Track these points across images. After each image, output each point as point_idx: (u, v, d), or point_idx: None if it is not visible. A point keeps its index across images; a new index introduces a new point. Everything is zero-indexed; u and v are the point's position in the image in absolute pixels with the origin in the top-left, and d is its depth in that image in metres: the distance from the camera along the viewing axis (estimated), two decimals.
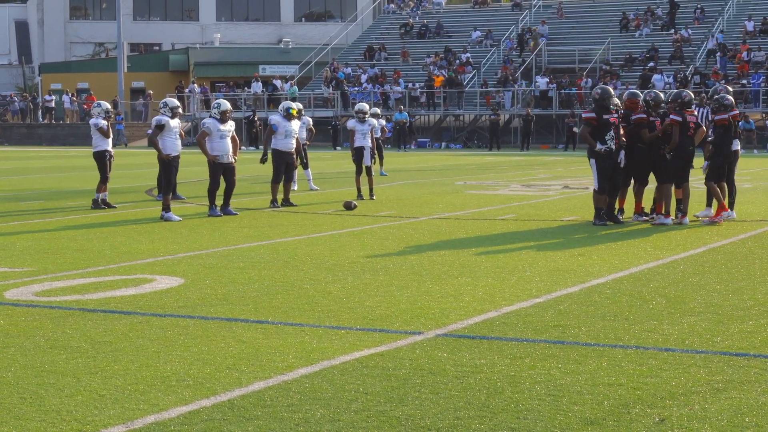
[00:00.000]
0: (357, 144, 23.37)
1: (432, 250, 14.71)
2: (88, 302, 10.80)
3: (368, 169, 23.43)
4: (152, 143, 19.27)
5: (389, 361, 8.16)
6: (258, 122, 60.65)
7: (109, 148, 21.49)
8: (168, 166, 19.08)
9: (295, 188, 23.06)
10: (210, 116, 19.66)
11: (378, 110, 31.16)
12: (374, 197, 23.20)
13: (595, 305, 10.38)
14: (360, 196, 23.00)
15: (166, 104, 19.54)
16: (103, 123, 21.41)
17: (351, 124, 23.86)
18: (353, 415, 6.80)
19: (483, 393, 7.26)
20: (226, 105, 19.90)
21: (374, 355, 8.36)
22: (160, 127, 19.11)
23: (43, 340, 8.99)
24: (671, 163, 17.34)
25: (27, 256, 14.32)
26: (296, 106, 22.35)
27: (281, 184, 21.71)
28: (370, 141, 23.62)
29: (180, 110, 19.77)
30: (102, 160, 21.36)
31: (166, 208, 18.87)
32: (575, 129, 54.66)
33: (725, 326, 9.33)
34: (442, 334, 9.12)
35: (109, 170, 21.38)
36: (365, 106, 24.39)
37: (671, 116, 17.31)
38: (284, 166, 21.61)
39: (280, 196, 21.80)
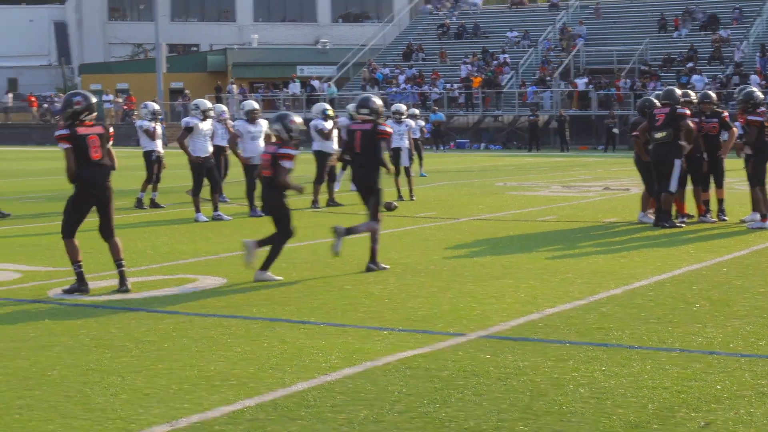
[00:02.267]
0: (393, 145, 23.42)
1: (473, 251, 14.69)
2: (132, 301, 10.86)
3: (407, 170, 23.46)
4: (180, 145, 19.31)
5: (432, 362, 8.16)
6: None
7: (157, 148, 21.61)
8: (198, 168, 19.08)
9: (337, 188, 23.12)
10: (239, 118, 19.77)
11: (417, 111, 31.20)
12: (414, 198, 23.20)
13: (638, 307, 10.34)
14: (400, 197, 23.00)
15: (197, 106, 19.58)
16: (148, 125, 21.55)
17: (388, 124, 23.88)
18: (397, 416, 6.80)
19: (526, 395, 7.25)
20: (252, 105, 20.01)
21: (417, 356, 8.36)
22: (189, 130, 19.14)
23: (88, 339, 9.05)
24: (755, 165, 17.03)
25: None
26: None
27: (323, 185, 21.83)
28: (407, 142, 23.68)
29: (212, 113, 19.76)
30: (147, 160, 21.53)
31: (197, 209, 18.96)
32: (615, 130, 54.46)
33: None
34: (484, 336, 9.11)
35: (158, 171, 21.53)
36: (402, 106, 24.46)
37: (749, 117, 17.01)
38: (327, 168, 21.71)
39: (323, 197, 21.88)
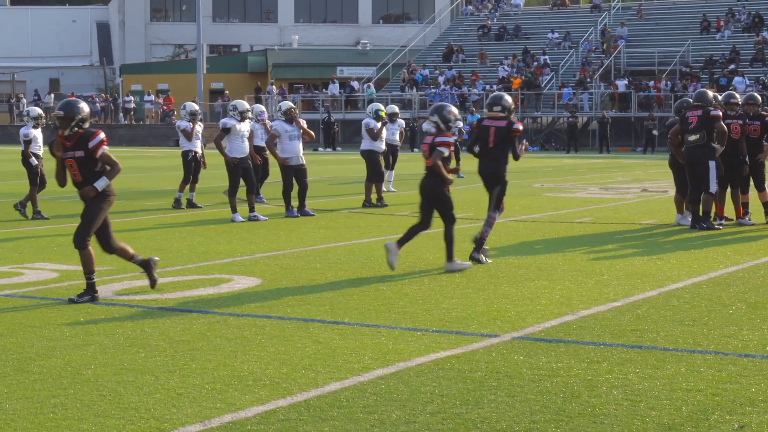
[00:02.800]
0: None
1: (509, 252, 14.66)
2: (167, 301, 10.90)
3: None
4: (217, 146, 19.40)
5: (465, 363, 8.15)
6: (335, 124, 60.84)
7: (195, 148, 21.70)
8: (234, 169, 19.13)
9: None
10: (276, 118, 19.88)
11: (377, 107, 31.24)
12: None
13: (674, 310, 10.29)
14: None
15: (235, 107, 19.61)
16: (186, 125, 21.65)
17: (426, 126, 23.91)
18: (429, 417, 6.80)
19: (559, 397, 7.22)
20: (288, 104, 20.12)
21: (450, 357, 8.35)
22: (226, 131, 19.21)
23: (123, 338, 9.09)
24: None
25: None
26: (389, 109, 22.72)
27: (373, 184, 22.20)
28: None
29: (250, 114, 19.85)
30: (185, 160, 21.64)
31: (233, 209, 19.02)
32: (654, 132, 54.20)
33: None
34: (518, 337, 9.09)
35: (195, 171, 21.62)
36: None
37: None
38: (379, 166, 21.83)
39: (373, 196, 22.07)
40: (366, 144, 22.25)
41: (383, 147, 22.37)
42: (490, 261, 13.60)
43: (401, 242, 13.01)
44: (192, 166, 21.63)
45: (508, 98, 14.35)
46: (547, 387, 7.47)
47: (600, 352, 8.51)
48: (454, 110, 13.54)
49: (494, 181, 14.09)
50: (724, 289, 11.51)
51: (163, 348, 8.70)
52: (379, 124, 22.07)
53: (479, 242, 13.64)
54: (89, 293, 10.98)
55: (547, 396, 7.25)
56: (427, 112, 13.28)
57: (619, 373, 7.83)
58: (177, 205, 21.51)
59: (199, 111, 22.37)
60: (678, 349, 8.60)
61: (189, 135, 21.58)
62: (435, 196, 13.11)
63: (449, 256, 12.98)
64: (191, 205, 21.57)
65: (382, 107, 22.48)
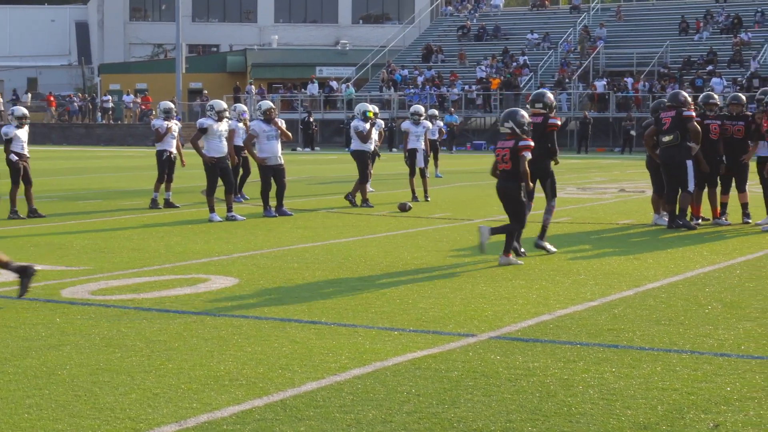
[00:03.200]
0: (410, 146, 23.57)
1: (486, 251, 14.65)
2: (144, 301, 10.87)
3: (422, 171, 23.53)
4: (193, 145, 19.40)
5: (442, 362, 8.15)
6: (314, 123, 60.80)
7: (170, 148, 21.64)
8: (212, 169, 19.10)
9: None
10: (255, 118, 19.84)
11: (437, 112, 31.24)
12: (429, 199, 23.21)
13: (650, 309, 10.32)
14: (414, 198, 23.01)
15: (212, 107, 19.58)
16: (161, 124, 21.60)
17: (405, 125, 24.03)
18: (405, 416, 6.80)
19: (535, 396, 7.23)
20: (268, 104, 20.12)
21: (427, 356, 8.35)
22: (203, 131, 19.20)
23: (99, 338, 9.06)
24: None
25: (84, 255, 14.44)
26: (373, 108, 22.71)
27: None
28: (423, 143, 23.74)
29: (227, 113, 19.80)
30: (159, 159, 21.59)
31: (211, 209, 18.99)
32: (632, 132, 54.34)
33: None
34: (495, 337, 9.09)
35: (170, 171, 21.55)
36: (421, 108, 24.49)
37: None
38: (367, 167, 21.88)
39: (358, 197, 22.20)
40: (355, 144, 22.31)
41: (372, 148, 22.36)
42: (555, 249, 14.38)
43: (494, 231, 13.69)
44: (167, 165, 21.57)
45: (550, 95, 14.99)
46: (524, 386, 7.48)
47: (576, 351, 8.52)
48: (526, 114, 13.92)
49: (541, 175, 14.69)
50: (700, 288, 11.55)
51: (139, 348, 8.67)
52: (367, 126, 22.03)
53: (543, 230, 14.48)
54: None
55: (523, 395, 7.26)
56: (500, 117, 13.69)
57: (595, 372, 7.85)
58: (154, 205, 21.45)
59: (175, 110, 22.28)
60: (654, 348, 8.62)
61: (160, 134, 21.52)
62: (511, 198, 13.77)
63: (506, 251, 13.50)
64: (168, 204, 21.51)
65: (370, 108, 22.44)
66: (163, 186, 21.63)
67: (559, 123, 14.48)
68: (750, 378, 7.66)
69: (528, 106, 15.20)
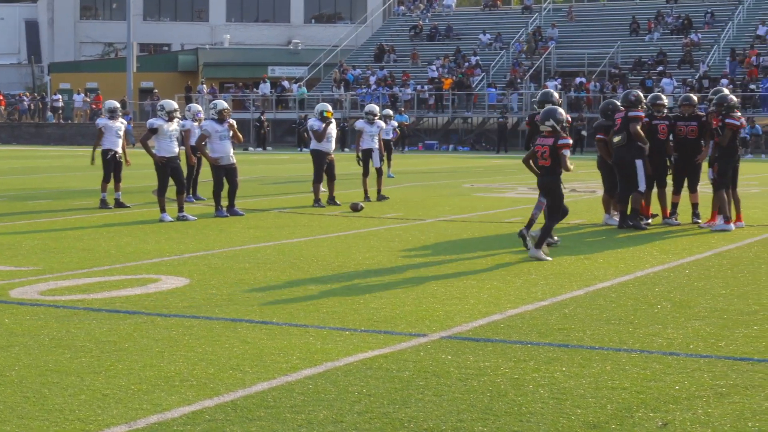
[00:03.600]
0: (365, 146, 23.52)
1: (438, 252, 14.71)
2: (93, 302, 10.80)
3: (378, 171, 23.52)
4: (143, 146, 19.33)
5: (393, 362, 8.16)
6: (266, 123, 60.68)
7: (113, 147, 21.47)
8: (163, 169, 19.03)
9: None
10: (207, 117, 19.75)
11: (391, 112, 31.25)
12: (385, 197, 23.22)
13: (600, 309, 10.38)
14: (367, 198, 23.03)
15: (162, 107, 19.50)
16: (104, 123, 21.48)
17: (360, 125, 23.99)
18: (356, 416, 6.80)
19: (486, 396, 7.25)
20: (223, 104, 20.03)
21: (378, 356, 8.36)
22: (153, 131, 19.12)
23: (48, 339, 9.00)
24: (722, 168, 17.02)
25: (33, 255, 14.34)
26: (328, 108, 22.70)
27: (323, 184, 22.24)
28: (377, 143, 23.72)
29: (178, 114, 19.70)
30: (104, 159, 21.47)
31: (162, 209, 18.90)
32: (583, 132, 54.61)
33: (730, 331, 9.32)
34: (446, 337, 9.11)
35: (117, 170, 21.39)
36: (375, 107, 24.46)
37: (728, 120, 16.97)
38: (325, 166, 21.82)
39: (324, 194, 22.22)
40: (313, 144, 22.26)
41: (331, 147, 22.18)
42: (531, 245, 14.27)
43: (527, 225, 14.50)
44: (111, 165, 21.43)
45: (562, 112, 14.80)
46: (474, 386, 7.50)
47: (527, 351, 8.56)
48: (563, 112, 14.57)
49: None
50: (649, 288, 11.63)
51: (88, 349, 8.62)
52: (323, 125, 21.96)
53: (530, 222, 14.65)
54: None
55: (474, 395, 7.28)
56: (539, 116, 14.21)
57: (545, 371, 7.88)
58: (104, 205, 21.30)
59: (120, 109, 22.12)
60: (604, 347, 8.67)
61: (100, 133, 21.40)
62: (551, 191, 14.35)
63: (539, 244, 14.02)
64: (119, 204, 21.37)
65: (328, 107, 22.36)
66: (112, 186, 21.47)
67: (570, 143, 14.50)
68: (698, 377, 7.72)
69: (538, 122, 15.08)
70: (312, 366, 8.05)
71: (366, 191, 23.31)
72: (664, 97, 18.57)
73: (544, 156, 14.23)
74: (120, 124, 21.67)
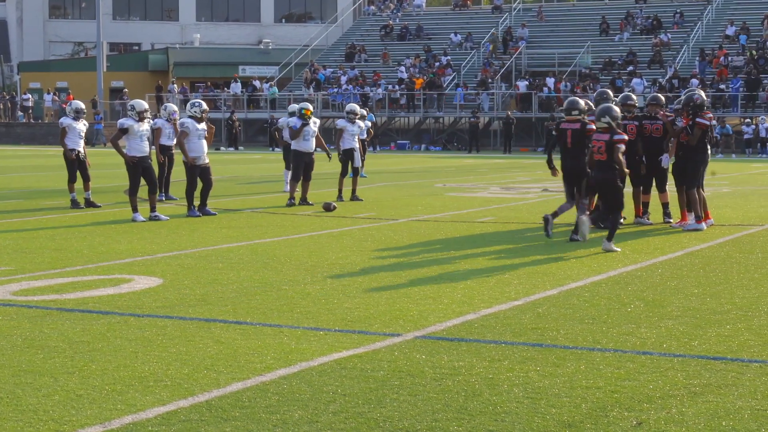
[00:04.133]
0: (346, 146, 23.46)
1: (411, 251, 14.72)
2: (66, 302, 10.76)
3: (356, 170, 23.51)
4: (114, 145, 19.29)
5: (367, 362, 8.16)
6: (237, 123, 60.57)
7: (76, 147, 21.41)
8: (134, 169, 18.97)
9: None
10: (189, 114, 19.67)
11: (365, 112, 31.24)
12: (359, 199, 23.17)
13: (574, 308, 10.41)
14: (340, 198, 23.00)
15: (133, 107, 19.44)
16: (68, 122, 21.41)
17: (341, 123, 23.92)
18: (331, 416, 6.80)
19: (461, 395, 7.26)
20: (203, 105, 19.95)
21: (352, 356, 8.36)
22: (123, 131, 19.06)
23: (20, 339, 8.96)
24: (691, 167, 17.05)
25: (5, 255, 14.27)
26: (289, 108, 22.64)
27: (299, 183, 22.17)
28: (357, 143, 23.71)
29: (148, 114, 19.63)
30: (67, 158, 21.39)
31: (134, 209, 18.83)
32: (554, 133, 54.74)
33: (703, 330, 9.36)
34: (420, 336, 9.12)
35: (84, 170, 21.29)
36: (356, 107, 24.40)
37: (698, 119, 17.03)
38: (303, 166, 21.78)
39: (297, 194, 22.20)
40: (293, 143, 22.19)
41: (311, 147, 22.05)
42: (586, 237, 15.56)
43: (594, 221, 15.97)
44: (75, 164, 21.36)
45: (581, 102, 16.45)
46: (449, 386, 7.51)
47: (501, 350, 8.58)
48: (618, 109, 15.48)
49: (577, 176, 16.12)
50: (622, 287, 11.67)
51: (62, 349, 8.59)
52: (299, 124, 21.88)
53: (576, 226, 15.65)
54: None
55: (448, 394, 7.29)
56: (594, 113, 15.25)
57: (519, 371, 7.90)
58: (75, 205, 21.22)
59: (84, 111, 21.99)
60: (578, 347, 8.70)
61: (64, 132, 21.32)
62: (608, 186, 15.04)
63: (609, 237, 14.82)
64: (89, 204, 21.29)
65: (308, 106, 22.29)
66: (79, 186, 21.38)
67: (626, 138, 15.31)
68: (672, 376, 7.76)
69: (563, 114, 16.64)
70: (286, 366, 8.04)
71: (341, 191, 23.28)
72: (634, 96, 18.63)
73: (601, 151, 14.93)
74: (83, 126, 21.62)
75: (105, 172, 24.48)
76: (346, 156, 23.45)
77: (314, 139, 22.11)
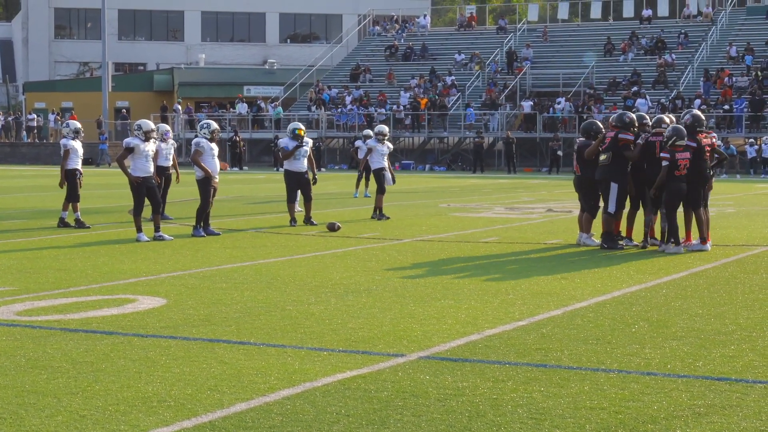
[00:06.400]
0: (376, 166, 23.90)
1: (415, 272, 14.70)
2: (70, 322, 10.76)
3: (383, 189, 23.74)
4: (120, 165, 19.32)
5: (371, 383, 8.15)
6: (242, 143, 60.64)
7: (77, 167, 21.52)
8: (138, 189, 18.97)
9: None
10: (200, 136, 19.77)
11: (369, 132, 31.36)
12: (386, 217, 23.40)
13: (578, 329, 10.39)
14: (382, 215, 23.57)
15: (140, 127, 19.46)
16: (70, 144, 21.49)
17: (371, 143, 24.32)
18: None
19: (465, 416, 7.25)
20: (214, 125, 20.05)
21: (356, 377, 8.34)
22: (129, 150, 19.07)
23: (24, 359, 8.95)
24: (693, 188, 17.02)
25: (9, 275, 14.27)
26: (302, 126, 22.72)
27: (299, 204, 22.27)
28: (387, 162, 24.07)
29: (155, 134, 19.67)
30: (71, 179, 21.44)
31: (138, 229, 18.83)
32: (559, 152, 54.81)
33: (707, 351, 9.34)
34: (424, 357, 9.11)
35: (79, 188, 21.46)
36: (386, 128, 24.99)
37: (620, 135, 17.15)
38: (297, 186, 21.83)
39: (300, 214, 22.26)
40: (285, 163, 22.27)
41: (303, 167, 22.10)
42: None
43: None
44: (77, 185, 21.46)
45: (631, 115, 17.83)
46: (453, 406, 7.49)
47: (505, 371, 8.56)
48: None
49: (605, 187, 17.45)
50: (627, 308, 11.65)
51: (65, 369, 8.58)
52: (293, 145, 21.92)
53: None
54: None
55: (452, 415, 7.27)
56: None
57: (523, 391, 7.88)
58: (63, 224, 21.32)
59: (82, 130, 22.09)
60: (582, 367, 8.68)
61: (67, 154, 21.41)
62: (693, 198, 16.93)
63: (676, 242, 16.88)
64: (80, 224, 21.27)
65: (300, 126, 22.37)
66: (71, 205, 21.47)
67: (630, 138, 17.25)
68: (676, 396, 7.74)
69: (651, 128, 17.64)
70: (290, 386, 8.03)
71: (381, 208, 23.51)
72: (647, 117, 18.58)
73: (687, 167, 16.71)
74: (80, 145, 21.76)
75: (106, 191, 24.48)
76: (378, 175, 23.72)
77: (306, 160, 22.15)
